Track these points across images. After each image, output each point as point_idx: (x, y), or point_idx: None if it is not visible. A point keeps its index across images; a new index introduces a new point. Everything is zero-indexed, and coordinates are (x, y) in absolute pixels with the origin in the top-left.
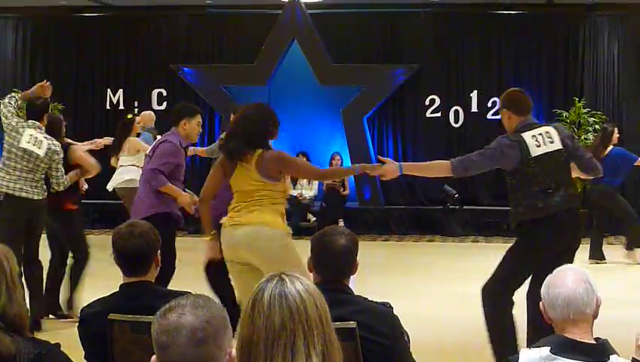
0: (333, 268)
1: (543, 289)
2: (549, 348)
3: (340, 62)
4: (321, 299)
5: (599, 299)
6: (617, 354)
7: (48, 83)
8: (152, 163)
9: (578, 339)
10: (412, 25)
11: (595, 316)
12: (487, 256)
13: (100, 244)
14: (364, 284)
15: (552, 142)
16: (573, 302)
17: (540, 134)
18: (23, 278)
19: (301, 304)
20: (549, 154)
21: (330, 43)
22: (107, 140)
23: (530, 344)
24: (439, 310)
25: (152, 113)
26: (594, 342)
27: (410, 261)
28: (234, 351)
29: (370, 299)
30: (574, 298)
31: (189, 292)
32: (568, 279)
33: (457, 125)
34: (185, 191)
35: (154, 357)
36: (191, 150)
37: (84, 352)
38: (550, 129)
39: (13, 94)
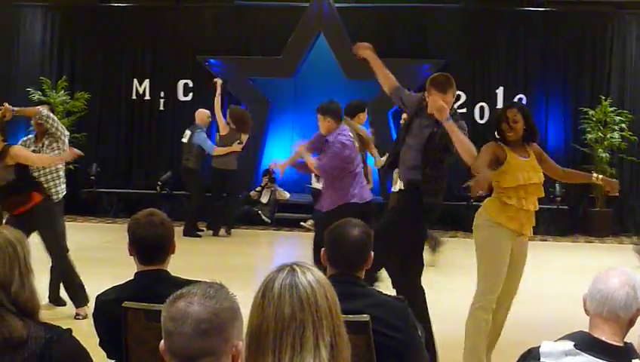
0: (347, 260)
1: (592, 281)
2: (574, 343)
3: None
4: (332, 291)
5: None
6: None
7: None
8: None
9: (603, 339)
10: (439, 20)
11: (631, 323)
12: None
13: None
14: (385, 279)
15: None
16: (610, 301)
17: None
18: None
19: (312, 294)
20: None
21: (356, 37)
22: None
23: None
24: (461, 305)
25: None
26: (619, 344)
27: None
28: (241, 344)
29: (385, 292)
30: (612, 298)
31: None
32: (614, 279)
33: (482, 121)
34: None
35: (162, 342)
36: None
37: (98, 339)
38: None
39: None
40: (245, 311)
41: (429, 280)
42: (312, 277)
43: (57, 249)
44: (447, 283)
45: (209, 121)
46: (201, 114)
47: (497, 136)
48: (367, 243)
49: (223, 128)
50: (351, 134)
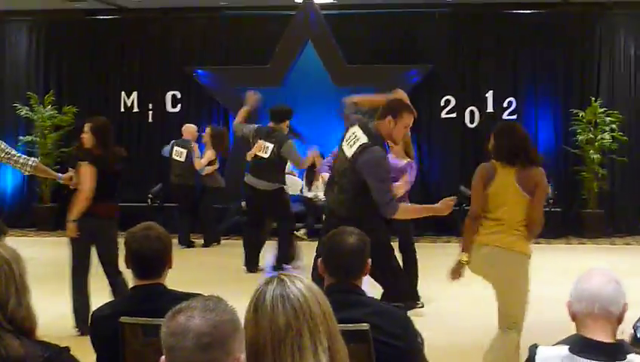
0: (343, 269)
1: (573, 285)
2: (568, 347)
3: (354, 63)
4: (322, 296)
5: (626, 304)
6: (636, 353)
7: None
8: None
9: (596, 339)
10: (426, 25)
11: (619, 320)
12: None
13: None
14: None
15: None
16: (599, 297)
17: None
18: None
19: (304, 302)
20: None
21: (344, 44)
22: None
23: None
24: (455, 311)
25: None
26: (613, 342)
27: (426, 262)
28: (243, 357)
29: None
30: (600, 294)
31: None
32: (598, 277)
33: (473, 125)
34: None
35: (162, 357)
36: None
37: (95, 355)
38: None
39: None
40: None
41: (428, 289)
42: (302, 284)
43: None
44: (449, 291)
45: (197, 135)
46: (191, 128)
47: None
48: (363, 251)
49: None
50: None
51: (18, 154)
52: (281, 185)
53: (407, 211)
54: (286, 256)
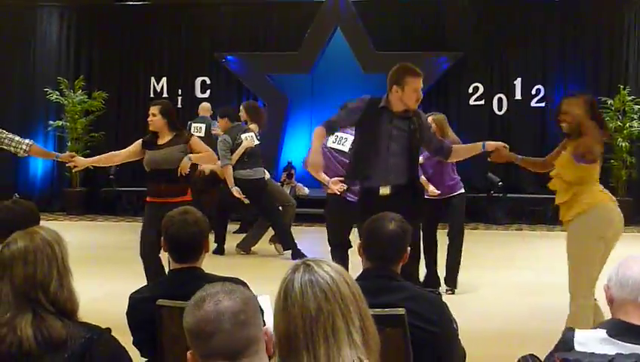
0: (382, 254)
1: (613, 270)
2: (605, 330)
3: (382, 50)
4: (350, 276)
5: None
6: None
7: None
8: None
9: (636, 323)
10: (455, 12)
11: None
12: (531, 244)
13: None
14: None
15: None
16: None
17: None
18: None
19: (333, 284)
20: None
21: (373, 31)
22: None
23: None
24: (484, 298)
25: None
26: None
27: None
28: (269, 329)
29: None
30: None
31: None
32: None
33: (501, 113)
34: None
35: (189, 352)
36: None
37: (132, 338)
38: None
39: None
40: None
41: (466, 276)
42: (329, 267)
43: None
44: (483, 278)
45: (211, 112)
46: (206, 105)
47: None
48: (403, 238)
49: None
50: None
51: (11, 136)
52: None
53: None
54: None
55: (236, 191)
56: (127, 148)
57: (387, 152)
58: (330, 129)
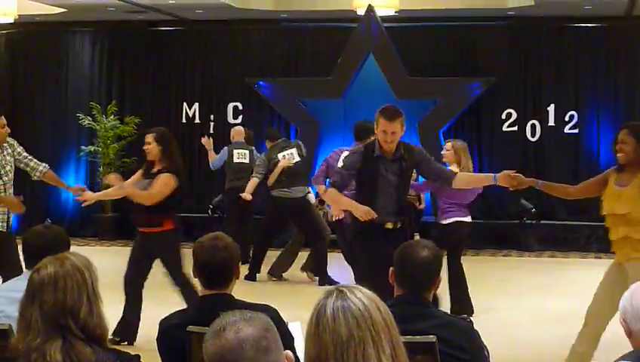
0: (415, 281)
1: (623, 302)
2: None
3: (415, 76)
4: (382, 303)
5: None
6: None
7: None
8: None
9: None
10: (488, 38)
11: None
12: (564, 271)
13: None
14: (441, 299)
15: None
16: None
17: None
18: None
19: (365, 311)
20: None
21: (405, 56)
22: None
23: None
24: (516, 325)
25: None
26: None
27: (486, 276)
28: (290, 353)
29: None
30: None
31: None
32: None
33: (534, 139)
34: None
35: None
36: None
37: None
38: None
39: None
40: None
41: (498, 302)
42: (361, 294)
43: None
44: (512, 303)
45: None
46: (242, 129)
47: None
48: (435, 264)
49: None
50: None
51: (30, 157)
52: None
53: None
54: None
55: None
56: (131, 178)
57: (386, 192)
58: (341, 189)
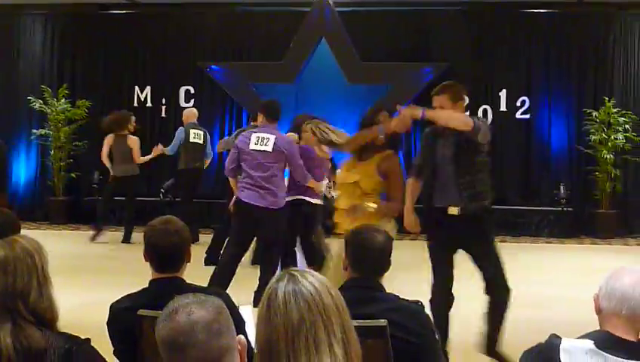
0: (371, 266)
1: (603, 280)
2: (593, 342)
3: (368, 61)
4: (334, 288)
5: None
6: None
7: None
8: None
9: (622, 336)
10: (441, 23)
11: None
12: (514, 256)
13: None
14: (393, 283)
15: None
16: (629, 299)
17: None
18: None
19: (316, 295)
20: None
21: (358, 41)
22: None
23: None
24: (464, 309)
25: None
26: (636, 341)
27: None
28: (243, 338)
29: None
30: (632, 296)
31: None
32: (630, 277)
33: None
34: None
35: None
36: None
37: (112, 348)
38: None
39: None
40: None
41: (467, 290)
42: (313, 278)
43: None
44: (467, 288)
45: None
46: (195, 111)
47: None
48: (389, 250)
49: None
50: None
51: None
52: None
53: None
54: None
55: None
56: None
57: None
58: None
